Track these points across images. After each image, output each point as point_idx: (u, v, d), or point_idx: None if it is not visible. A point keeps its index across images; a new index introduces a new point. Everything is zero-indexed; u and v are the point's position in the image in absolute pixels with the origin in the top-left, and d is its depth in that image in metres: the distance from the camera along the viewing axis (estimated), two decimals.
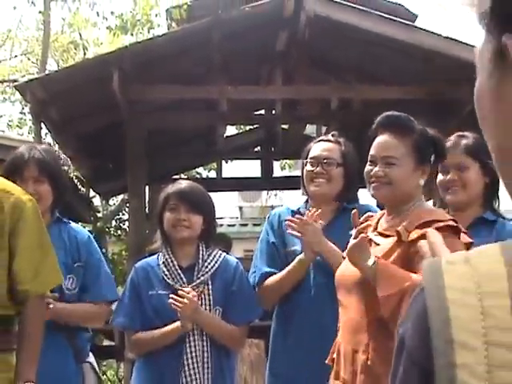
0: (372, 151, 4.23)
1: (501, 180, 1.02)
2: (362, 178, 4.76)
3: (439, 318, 0.82)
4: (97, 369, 5.22)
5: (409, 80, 11.00)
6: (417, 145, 4.17)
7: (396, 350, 0.88)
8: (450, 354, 0.79)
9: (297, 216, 4.80)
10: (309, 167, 5.01)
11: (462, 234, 4.00)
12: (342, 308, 4.19)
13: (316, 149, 5.04)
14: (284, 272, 4.88)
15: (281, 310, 5.05)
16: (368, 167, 4.23)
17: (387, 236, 4.15)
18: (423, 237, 3.83)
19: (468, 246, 3.93)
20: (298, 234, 4.65)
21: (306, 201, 5.11)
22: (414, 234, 3.93)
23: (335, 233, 4.81)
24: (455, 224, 4.00)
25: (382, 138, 4.22)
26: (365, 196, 5.10)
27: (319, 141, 5.14)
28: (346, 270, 4.17)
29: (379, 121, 4.29)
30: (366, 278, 3.88)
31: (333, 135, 5.13)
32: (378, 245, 4.14)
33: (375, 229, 4.26)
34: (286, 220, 4.83)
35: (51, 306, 4.67)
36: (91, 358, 5.23)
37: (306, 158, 5.06)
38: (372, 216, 4.39)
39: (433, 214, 4.13)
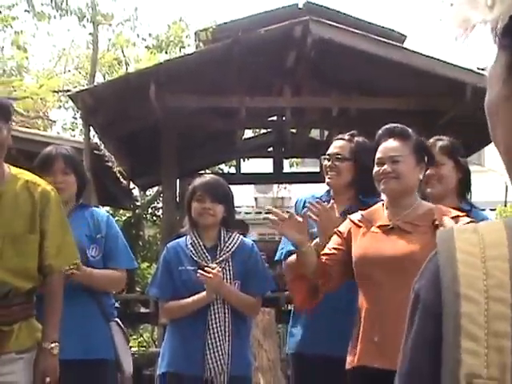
0: (379, 154, 4.26)
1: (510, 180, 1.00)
2: None
3: (449, 275, 0.83)
4: (123, 326, 5.20)
5: (399, 93, 10.98)
6: (415, 147, 4.26)
7: (412, 302, 0.89)
8: (456, 304, 0.81)
9: (317, 200, 4.79)
10: (325, 162, 5.04)
11: None
12: (371, 284, 4.17)
13: (331, 146, 5.08)
14: None
15: None
16: (376, 168, 4.25)
17: (415, 226, 4.14)
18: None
19: None
20: (315, 218, 4.64)
21: (328, 190, 5.10)
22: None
23: None
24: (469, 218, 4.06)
25: (387, 143, 4.29)
26: None
27: (336, 139, 5.16)
28: (376, 250, 4.16)
29: (382, 131, 4.39)
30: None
31: (351, 134, 5.12)
32: (409, 233, 4.13)
33: (387, 220, 4.25)
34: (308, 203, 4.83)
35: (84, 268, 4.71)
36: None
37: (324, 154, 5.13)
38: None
39: (447, 209, 4.21)
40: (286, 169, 16.64)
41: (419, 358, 0.85)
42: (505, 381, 0.77)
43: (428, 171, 4.55)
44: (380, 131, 4.42)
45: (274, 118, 13.38)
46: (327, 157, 5.03)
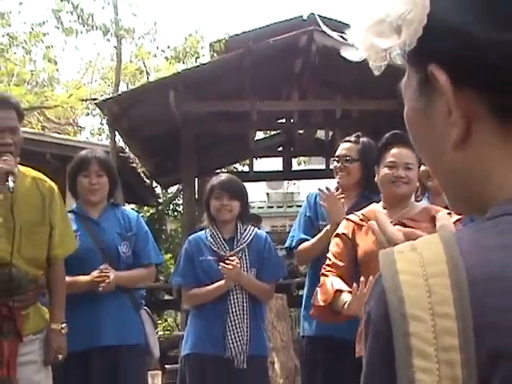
0: (393, 158, 4.27)
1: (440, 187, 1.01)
2: None
3: (395, 297, 0.81)
4: (151, 314, 5.23)
5: (395, 95, 10.92)
6: (418, 157, 4.20)
7: (364, 323, 0.86)
8: (405, 324, 0.79)
9: (327, 187, 4.84)
10: (334, 163, 5.10)
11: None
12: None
13: (339, 148, 5.12)
14: (315, 239, 4.90)
15: (312, 270, 5.04)
16: (389, 171, 4.26)
17: (417, 222, 4.13)
18: (456, 222, 3.90)
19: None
20: (324, 204, 4.68)
21: (336, 187, 5.11)
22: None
23: None
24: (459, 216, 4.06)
25: (401, 150, 4.28)
26: None
27: (343, 141, 5.19)
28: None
29: (391, 137, 4.37)
30: None
31: (356, 136, 5.15)
32: (413, 228, 4.13)
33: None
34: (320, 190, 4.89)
35: (112, 276, 4.71)
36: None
37: (333, 156, 5.18)
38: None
39: (443, 209, 4.17)
40: (295, 167, 16.61)
41: (371, 375, 0.84)
42: None
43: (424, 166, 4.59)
44: (389, 136, 4.39)
45: (283, 120, 13.36)
46: (336, 158, 5.06)
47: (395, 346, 0.79)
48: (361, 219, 4.31)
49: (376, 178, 4.44)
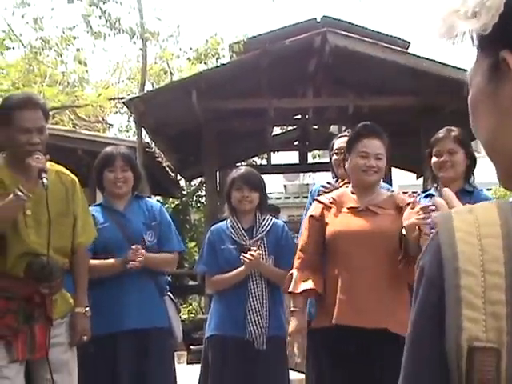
0: (365, 149, 4.34)
1: (493, 165, 1.01)
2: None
3: (450, 252, 0.82)
4: (174, 300, 5.25)
5: (404, 91, 10.91)
6: (387, 146, 4.41)
7: (417, 276, 0.88)
8: (457, 278, 0.80)
9: (328, 182, 5.10)
10: (335, 157, 5.19)
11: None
12: (349, 257, 4.24)
13: (338, 142, 5.27)
14: None
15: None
16: (361, 160, 4.33)
17: (384, 209, 4.29)
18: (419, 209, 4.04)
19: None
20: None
21: (336, 180, 5.13)
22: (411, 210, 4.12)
23: None
24: (430, 204, 4.15)
25: (372, 141, 4.36)
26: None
27: (340, 136, 5.23)
28: (351, 227, 4.28)
29: (362, 128, 4.49)
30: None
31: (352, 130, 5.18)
32: (378, 214, 4.27)
33: (356, 203, 4.36)
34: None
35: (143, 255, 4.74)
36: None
37: (332, 150, 5.25)
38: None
39: (403, 196, 4.44)
40: (310, 160, 16.61)
41: (424, 323, 0.85)
42: (501, 342, 0.77)
43: (442, 158, 4.61)
44: (361, 127, 4.51)
45: (299, 116, 13.32)
46: (336, 151, 5.26)
47: (446, 297, 0.81)
48: (331, 202, 4.41)
49: (346, 166, 4.49)
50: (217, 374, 4.96)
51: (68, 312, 4.22)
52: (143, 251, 4.74)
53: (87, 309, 4.32)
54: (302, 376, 5.76)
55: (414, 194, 4.55)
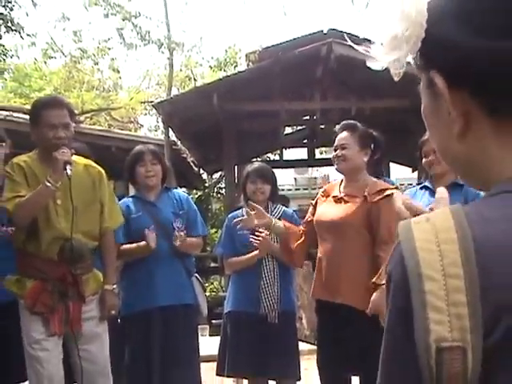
0: (335, 142, 4.34)
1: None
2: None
3: (412, 260, 0.81)
4: (201, 280, 5.25)
5: (400, 95, 10.88)
6: (359, 137, 4.30)
7: (386, 281, 0.87)
8: (420, 283, 0.80)
9: (325, 174, 4.93)
10: (333, 153, 5.06)
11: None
12: (324, 240, 4.27)
13: (337, 138, 5.13)
14: None
15: None
16: (333, 153, 4.35)
17: (353, 197, 4.22)
18: (382, 199, 4.05)
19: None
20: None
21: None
22: (374, 198, 4.09)
23: None
24: (397, 190, 4.24)
25: (340, 134, 4.34)
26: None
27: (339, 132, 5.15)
28: (326, 215, 4.28)
29: (341, 124, 4.46)
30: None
31: (350, 126, 5.12)
32: (348, 202, 4.22)
33: (339, 192, 4.33)
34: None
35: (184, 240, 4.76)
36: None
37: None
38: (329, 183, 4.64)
39: (383, 184, 4.24)
40: (318, 155, 16.62)
41: (395, 326, 0.85)
42: (466, 340, 0.77)
43: (429, 157, 4.55)
44: (341, 124, 4.49)
45: (307, 117, 13.31)
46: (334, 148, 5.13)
47: (413, 301, 0.80)
48: (323, 191, 4.47)
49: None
50: (234, 345, 4.97)
51: (97, 290, 4.23)
52: (182, 234, 4.76)
53: (115, 286, 4.34)
54: (311, 346, 5.78)
55: (402, 187, 4.55)
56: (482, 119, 0.90)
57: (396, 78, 1.00)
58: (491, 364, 0.76)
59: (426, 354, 0.78)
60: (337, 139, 4.35)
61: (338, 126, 4.50)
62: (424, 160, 4.60)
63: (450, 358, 0.77)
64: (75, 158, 4.22)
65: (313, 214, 4.41)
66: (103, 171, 4.32)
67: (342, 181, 4.43)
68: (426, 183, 4.75)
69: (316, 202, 4.49)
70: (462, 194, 4.43)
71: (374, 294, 3.92)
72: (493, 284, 0.78)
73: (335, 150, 4.33)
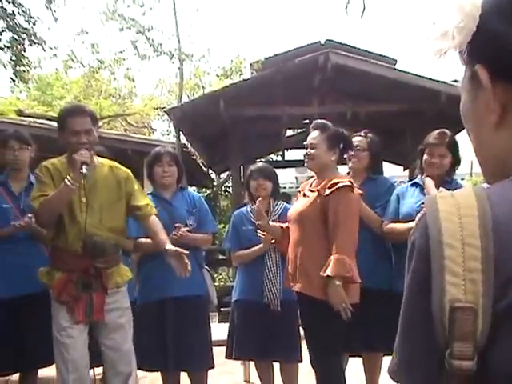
0: (306, 143, 4.35)
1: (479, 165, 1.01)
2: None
3: (434, 228, 0.83)
4: (210, 272, 5.26)
5: (393, 100, 10.87)
6: (328, 136, 4.27)
7: (409, 248, 0.88)
8: (440, 249, 0.81)
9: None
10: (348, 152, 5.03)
11: (355, 189, 4.18)
12: (291, 232, 4.29)
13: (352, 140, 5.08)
14: None
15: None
16: (305, 151, 4.35)
17: (312, 192, 4.23)
18: (333, 192, 4.03)
19: (360, 196, 4.30)
20: None
21: (348, 172, 5.07)
22: (327, 191, 4.07)
23: (364, 192, 4.83)
24: (350, 183, 4.13)
25: (311, 134, 4.34)
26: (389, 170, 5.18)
27: (355, 135, 5.12)
28: (292, 210, 4.36)
29: (311, 126, 4.44)
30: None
31: (365, 132, 5.10)
32: (308, 197, 4.23)
33: (310, 186, 4.35)
34: None
35: (183, 234, 4.75)
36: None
37: None
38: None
39: (338, 178, 4.18)
40: None
41: (414, 286, 0.86)
42: (478, 303, 0.78)
43: (433, 159, 4.53)
44: (312, 124, 4.47)
45: (307, 121, 13.30)
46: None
47: (432, 265, 0.82)
48: (299, 189, 4.50)
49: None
50: (241, 331, 5.00)
51: (122, 284, 4.21)
52: (183, 229, 4.76)
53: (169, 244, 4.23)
54: None
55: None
56: None
57: (439, 60, 0.98)
58: (497, 328, 0.78)
59: (441, 313, 0.80)
60: (308, 138, 4.35)
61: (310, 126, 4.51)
62: (426, 157, 4.57)
63: (462, 317, 0.78)
64: (101, 160, 4.27)
65: None
66: (129, 171, 4.33)
67: (314, 178, 4.44)
68: (417, 180, 4.74)
69: (296, 197, 4.52)
70: (450, 190, 4.46)
71: (329, 288, 3.91)
72: (506, 258, 0.79)
73: (306, 149, 4.33)
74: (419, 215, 0.90)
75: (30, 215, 4.69)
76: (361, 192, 4.34)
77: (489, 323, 0.78)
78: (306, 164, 4.37)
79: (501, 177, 0.94)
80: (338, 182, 4.08)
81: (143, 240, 4.74)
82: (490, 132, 0.93)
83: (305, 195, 4.30)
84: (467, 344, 0.78)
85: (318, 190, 4.13)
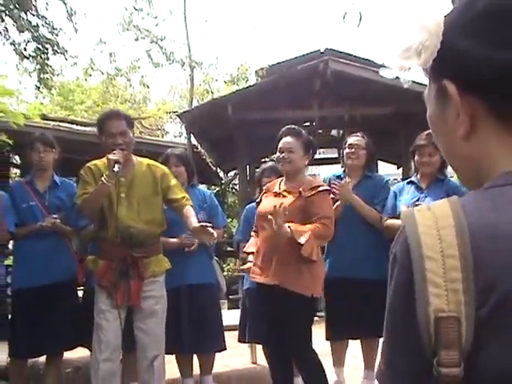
0: (280, 145, 4.28)
1: (453, 171, 1.00)
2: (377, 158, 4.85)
3: (415, 242, 0.81)
4: (219, 262, 5.28)
5: (387, 104, 10.86)
6: (304, 142, 4.28)
7: (391, 261, 0.87)
8: (422, 262, 0.80)
9: (337, 181, 4.84)
10: (347, 150, 5.01)
11: (330, 194, 4.32)
12: (262, 229, 4.21)
13: (350, 140, 5.05)
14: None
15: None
16: (278, 154, 4.28)
17: (289, 193, 4.19)
18: (315, 194, 4.08)
19: (333, 199, 4.38)
20: (337, 192, 4.68)
21: (344, 170, 5.07)
22: (309, 193, 4.10)
23: (360, 189, 4.85)
24: (328, 188, 4.27)
25: (286, 138, 4.28)
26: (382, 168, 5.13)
27: (354, 135, 5.11)
28: (265, 207, 4.22)
29: (283, 130, 4.38)
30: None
31: (362, 134, 5.12)
32: (285, 197, 4.19)
33: (279, 189, 4.30)
34: (331, 181, 4.87)
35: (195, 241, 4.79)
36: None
37: (345, 145, 5.07)
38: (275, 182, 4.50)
39: (316, 182, 4.29)
40: (316, 156, 16.56)
41: (398, 299, 0.84)
42: (460, 311, 0.77)
43: (424, 158, 4.59)
44: (283, 130, 4.39)
45: (307, 123, 13.29)
46: (348, 146, 5.03)
47: (415, 278, 0.80)
48: (265, 189, 4.45)
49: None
50: (253, 317, 5.03)
51: (160, 274, 4.22)
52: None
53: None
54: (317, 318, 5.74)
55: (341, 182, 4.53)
56: (486, 122, 0.89)
57: (406, 85, 0.96)
58: (481, 334, 0.77)
59: (426, 323, 0.79)
60: (282, 142, 4.29)
61: (282, 132, 4.40)
62: (417, 158, 4.64)
63: (447, 326, 0.77)
64: (140, 159, 4.33)
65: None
66: (166, 168, 4.38)
67: (281, 180, 4.41)
68: (412, 178, 4.80)
69: (261, 198, 4.45)
70: (443, 186, 4.53)
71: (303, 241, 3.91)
72: (484, 263, 0.78)
73: (280, 152, 4.27)
74: (399, 231, 0.87)
75: (54, 216, 4.73)
76: (332, 196, 4.43)
77: (472, 330, 0.77)
78: (280, 166, 4.34)
79: (477, 183, 0.92)
80: (319, 186, 4.16)
81: (167, 239, 4.73)
82: (460, 143, 0.92)
83: (277, 195, 4.25)
84: (453, 352, 0.77)
85: (299, 192, 4.12)
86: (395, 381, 0.86)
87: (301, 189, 4.13)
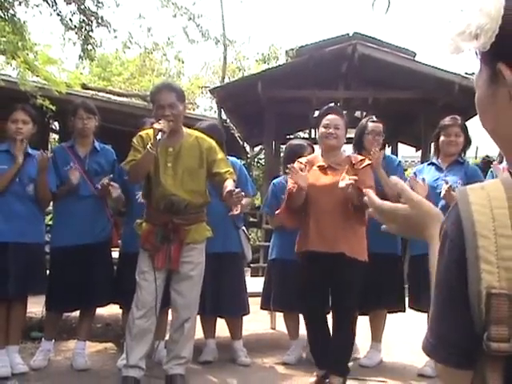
0: (327, 121, 4.30)
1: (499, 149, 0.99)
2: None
3: (468, 220, 0.81)
4: (246, 232, 5.27)
5: (410, 88, 10.73)
6: (345, 122, 4.38)
7: (441, 237, 0.86)
8: (475, 240, 0.79)
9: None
10: (369, 137, 5.00)
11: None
12: (317, 201, 4.20)
13: (371, 125, 5.03)
14: None
15: None
16: (324, 129, 4.30)
17: (339, 165, 4.25)
18: (365, 166, 4.21)
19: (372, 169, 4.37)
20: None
21: (360, 153, 5.04)
22: (360, 165, 4.23)
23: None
24: (370, 161, 4.36)
25: (332, 116, 4.33)
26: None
27: (371, 121, 5.06)
28: (318, 181, 4.22)
29: (327, 108, 4.48)
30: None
31: (376, 117, 5.08)
32: (336, 169, 4.23)
33: (324, 163, 4.32)
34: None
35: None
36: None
37: (366, 130, 5.04)
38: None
39: (360, 156, 4.42)
40: None
41: (448, 274, 0.84)
42: (511, 289, 0.76)
43: (451, 138, 4.65)
44: (325, 108, 4.48)
45: (333, 104, 13.21)
46: (369, 131, 5.02)
47: (467, 255, 0.80)
48: (305, 162, 4.36)
49: (317, 135, 4.51)
50: (278, 287, 5.08)
51: (200, 241, 4.23)
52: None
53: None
54: None
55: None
56: None
57: (453, 57, 0.96)
58: None
59: (478, 299, 0.78)
60: (330, 119, 4.31)
61: (325, 109, 4.45)
62: (443, 139, 4.70)
63: (498, 302, 0.77)
64: (189, 130, 4.32)
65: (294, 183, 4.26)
66: (213, 142, 4.31)
67: (314, 155, 4.51)
68: (433, 160, 4.84)
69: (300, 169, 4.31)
70: (463, 169, 4.57)
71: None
72: None
73: (327, 128, 4.29)
74: (451, 208, 0.87)
75: (108, 177, 4.71)
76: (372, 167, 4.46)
77: None
78: (328, 141, 4.31)
79: None
80: (364, 159, 4.28)
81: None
82: (509, 124, 0.92)
83: (325, 169, 4.26)
84: (503, 327, 0.76)
85: (352, 164, 4.22)
86: (446, 354, 0.86)
87: (353, 161, 4.24)
